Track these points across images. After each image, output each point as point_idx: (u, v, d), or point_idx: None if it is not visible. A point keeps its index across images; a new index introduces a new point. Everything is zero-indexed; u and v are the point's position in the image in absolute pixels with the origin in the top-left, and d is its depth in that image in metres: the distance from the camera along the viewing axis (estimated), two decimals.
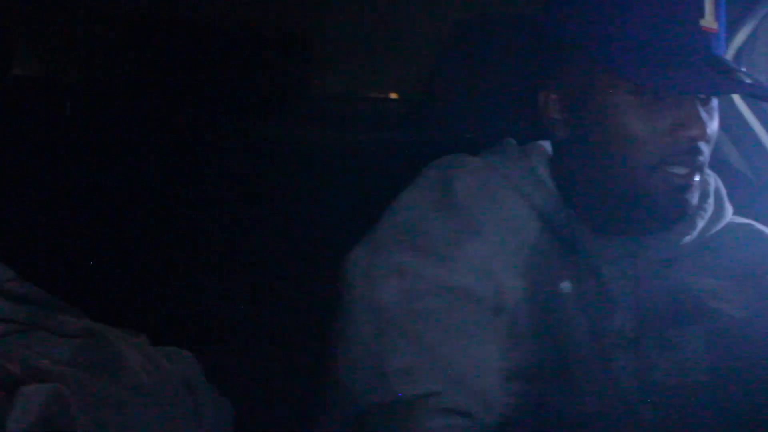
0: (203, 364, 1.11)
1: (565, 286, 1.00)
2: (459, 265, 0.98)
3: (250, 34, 1.60)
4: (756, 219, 1.15)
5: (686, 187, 0.97)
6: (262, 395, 1.28)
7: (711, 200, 1.07)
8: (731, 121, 1.46)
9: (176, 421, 1.02)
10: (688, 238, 1.04)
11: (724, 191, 1.11)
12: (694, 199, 1.00)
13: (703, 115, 0.95)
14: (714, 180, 1.10)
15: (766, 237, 1.10)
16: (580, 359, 0.99)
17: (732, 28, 1.36)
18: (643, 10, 0.96)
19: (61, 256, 1.35)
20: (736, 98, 1.48)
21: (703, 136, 0.95)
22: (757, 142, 1.49)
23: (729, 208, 1.10)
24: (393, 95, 2.07)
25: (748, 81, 0.99)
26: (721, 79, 0.96)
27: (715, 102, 0.99)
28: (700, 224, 1.05)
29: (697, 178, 0.98)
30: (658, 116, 0.96)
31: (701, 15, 0.95)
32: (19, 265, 1.11)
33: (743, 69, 1.05)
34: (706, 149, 0.98)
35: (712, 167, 1.11)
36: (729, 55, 1.39)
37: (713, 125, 0.98)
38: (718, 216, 1.08)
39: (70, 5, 1.52)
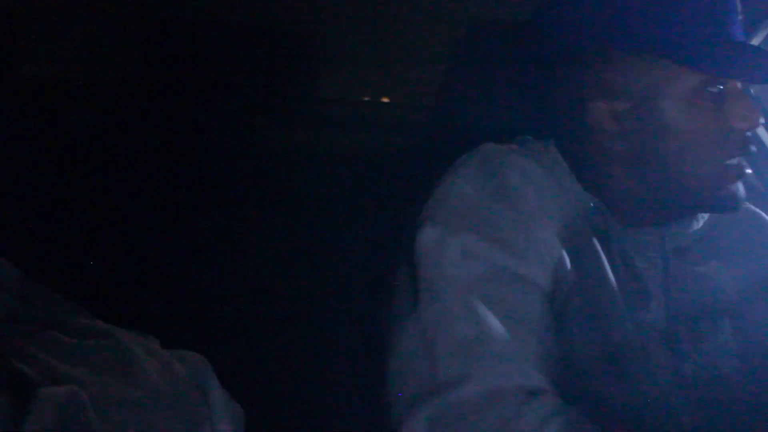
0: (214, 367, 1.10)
1: (610, 275, 1.01)
2: (525, 254, 0.98)
3: (255, 36, 1.59)
4: None
5: (740, 176, 1.01)
6: (272, 399, 1.27)
7: None
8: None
9: (190, 424, 1.01)
10: (704, 223, 1.06)
11: None
12: (743, 188, 1.02)
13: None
14: None
15: (762, 217, 1.16)
16: (626, 350, 1.00)
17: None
18: (696, 5, 0.97)
19: (71, 257, 1.33)
20: None
21: (757, 124, 0.98)
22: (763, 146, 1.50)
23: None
24: (386, 99, 2.07)
25: None
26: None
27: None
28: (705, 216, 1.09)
29: (748, 167, 1.01)
30: (720, 111, 0.98)
31: (736, 9, 0.99)
32: (28, 267, 1.11)
33: None
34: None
35: None
36: None
37: None
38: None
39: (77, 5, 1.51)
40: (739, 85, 0.99)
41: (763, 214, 1.15)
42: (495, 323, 0.94)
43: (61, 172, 1.42)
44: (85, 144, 1.47)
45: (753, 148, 1.00)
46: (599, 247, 1.03)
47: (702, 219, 1.08)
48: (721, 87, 0.97)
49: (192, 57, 1.51)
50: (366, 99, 2.08)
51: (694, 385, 1.00)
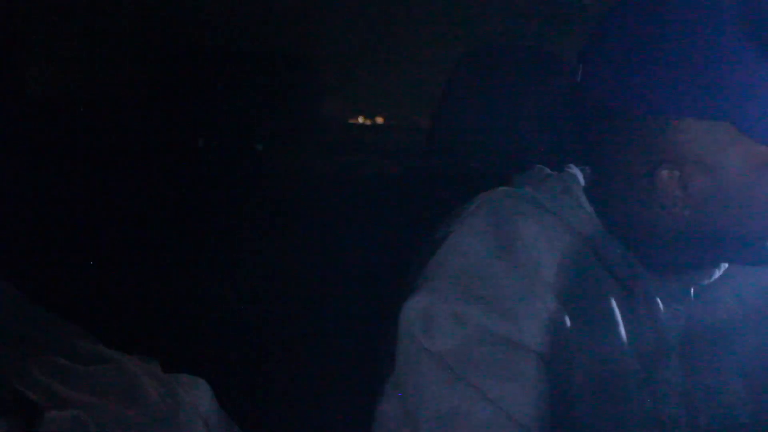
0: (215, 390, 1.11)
1: (623, 333, 0.98)
2: (527, 323, 0.95)
3: (254, 63, 1.62)
4: None
5: None
6: (272, 423, 1.28)
7: None
8: None
9: None
10: (718, 272, 1.05)
11: None
12: None
13: None
14: None
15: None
16: (632, 407, 0.97)
17: None
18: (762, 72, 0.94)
19: (74, 281, 1.34)
20: None
21: None
22: None
23: None
24: (381, 120, 2.08)
25: None
26: None
27: None
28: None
29: None
30: None
31: None
32: (31, 290, 1.12)
33: None
34: None
35: None
36: None
37: None
38: None
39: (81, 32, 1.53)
40: None
41: None
42: (478, 395, 0.92)
43: (64, 196, 1.43)
44: (88, 167, 1.49)
45: None
46: (616, 304, 0.99)
47: (724, 267, 1.05)
48: None
49: (193, 83, 1.53)
50: (362, 122, 2.10)
51: None
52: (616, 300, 0.99)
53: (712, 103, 0.95)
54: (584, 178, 1.07)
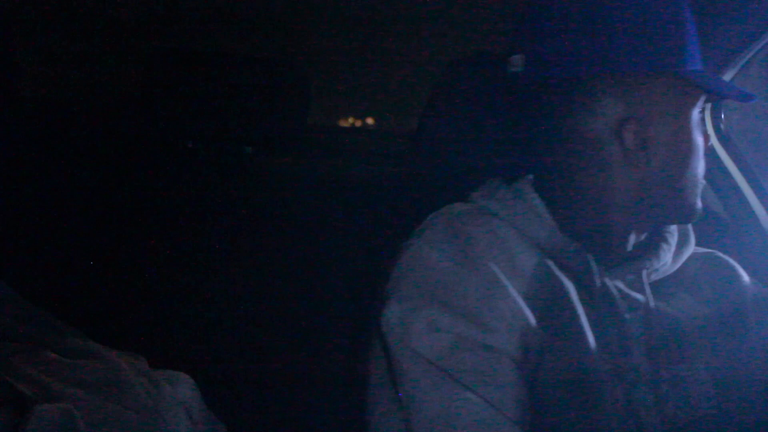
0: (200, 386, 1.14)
1: (587, 328, 1.01)
2: (490, 323, 0.98)
3: (244, 67, 1.63)
4: (729, 256, 1.21)
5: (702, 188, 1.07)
6: (255, 417, 1.31)
7: (674, 228, 1.12)
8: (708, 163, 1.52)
9: None
10: (669, 255, 1.09)
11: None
12: None
13: None
14: None
15: (728, 263, 1.16)
16: (605, 399, 1.00)
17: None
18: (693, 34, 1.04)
19: (65, 279, 1.37)
20: (713, 138, 1.55)
21: None
22: (733, 184, 1.54)
23: (693, 237, 1.14)
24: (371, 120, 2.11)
25: None
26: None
27: None
28: (672, 241, 1.11)
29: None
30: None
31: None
32: (23, 288, 1.15)
33: None
34: None
35: None
36: None
37: None
38: (686, 242, 1.13)
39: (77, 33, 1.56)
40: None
41: (720, 255, 1.17)
42: (466, 395, 0.94)
43: (56, 196, 1.45)
44: (80, 170, 1.51)
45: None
46: (577, 299, 1.03)
47: (669, 250, 1.09)
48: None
49: (185, 87, 1.55)
50: (352, 126, 2.13)
51: (672, 427, 1.01)
52: (575, 296, 1.02)
53: (659, 56, 1.00)
54: (534, 183, 1.10)
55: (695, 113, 1.04)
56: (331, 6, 1.80)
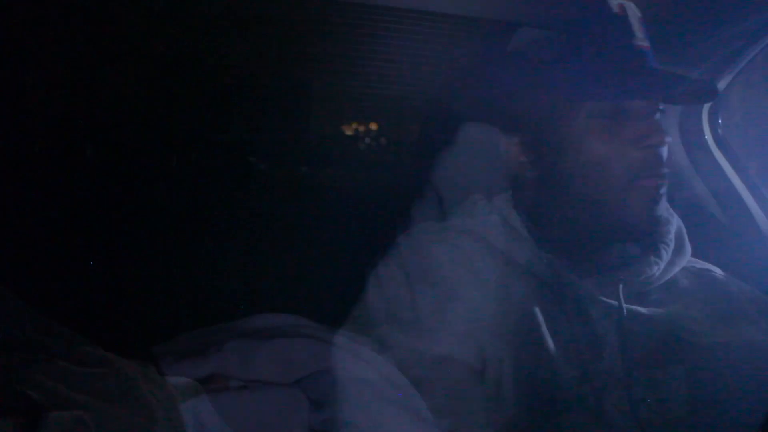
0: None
1: (547, 334, 1.03)
2: (441, 334, 1.00)
3: (250, 79, 1.65)
4: (728, 260, 1.23)
5: (657, 197, 1.03)
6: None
7: (672, 236, 1.13)
8: (705, 166, 1.53)
9: None
10: (656, 269, 1.09)
11: (685, 232, 1.16)
12: (663, 210, 1.05)
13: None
14: (676, 220, 1.16)
15: (722, 280, 1.16)
16: (571, 403, 1.02)
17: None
18: (583, 40, 1.03)
19: (74, 290, 1.39)
20: (711, 142, 1.56)
21: (663, 141, 1.01)
22: (731, 187, 1.55)
23: (689, 248, 1.15)
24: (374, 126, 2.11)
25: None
26: (667, 81, 1.04)
27: (658, 116, 1.05)
28: (665, 256, 1.10)
29: (663, 189, 1.03)
30: (619, 134, 1.02)
31: (633, 35, 1.03)
32: (33, 299, 1.16)
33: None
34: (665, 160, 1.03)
35: (687, 211, 1.19)
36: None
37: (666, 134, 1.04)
38: (681, 251, 1.13)
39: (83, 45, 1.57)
40: (640, 105, 1.02)
41: (716, 272, 1.17)
42: (408, 410, 0.97)
43: (64, 208, 1.47)
44: (87, 180, 1.53)
45: (665, 169, 1.02)
46: (541, 308, 1.04)
47: (660, 264, 1.10)
48: (619, 107, 1.01)
49: (190, 98, 1.57)
50: (353, 135, 2.13)
51: (647, 429, 1.02)
52: (546, 306, 1.04)
53: (539, 74, 1.05)
54: (512, 199, 1.13)
55: (584, 123, 1.03)
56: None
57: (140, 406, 1.02)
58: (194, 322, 1.34)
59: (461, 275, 1.04)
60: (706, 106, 1.51)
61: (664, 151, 1.03)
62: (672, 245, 1.12)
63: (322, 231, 1.56)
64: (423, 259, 1.06)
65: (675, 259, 1.12)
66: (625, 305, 1.06)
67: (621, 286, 1.06)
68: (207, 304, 1.44)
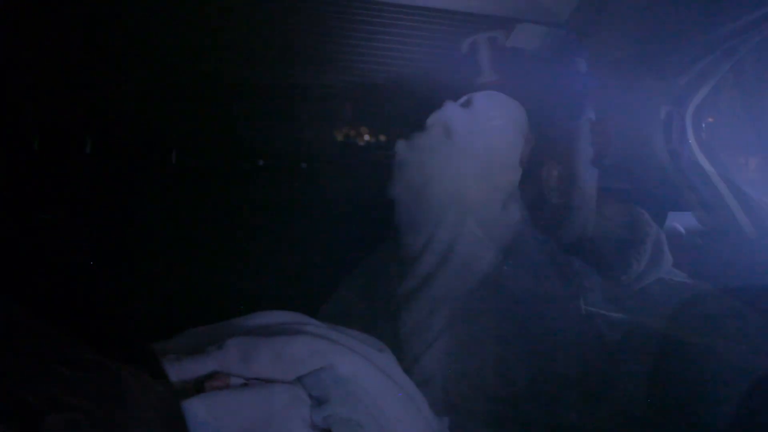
0: None
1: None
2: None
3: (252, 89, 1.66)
4: (712, 264, 1.25)
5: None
6: None
7: (647, 247, 1.17)
8: (688, 170, 1.55)
9: None
10: (625, 278, 1.13)
11: (665, 242, 1.20)
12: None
13: None
14: (655, 230, 1.20)
15: (699, 294, 1.20)
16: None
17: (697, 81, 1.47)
18: None
19: (71, 295, 1.40)
20: (695, 147, 1.57)
21: None
22: (715, 191, 1.57)
23: (668, 258, 1.19)
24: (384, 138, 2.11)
25: None
26: None
27: None
28: (635, 266, 1.15)
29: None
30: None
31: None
32: (30, 303, 1.18)
33: None
34: None
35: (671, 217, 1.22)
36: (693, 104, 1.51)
37: None
38: (656, 262, 1.18)
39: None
40: None
41: (691, 281, 1.22)
42: None
43: (63, 208, 1.48)
44: (91, 188, 1.54)
45: None
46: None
47: (630, 270, 1.14)
48: None
49: (193, 109, 1.58)
50: (353, 142, 2.13)
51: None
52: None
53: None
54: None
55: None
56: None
57: (133, 408, 1.04)
58: (195, 320, 1.35)
59: None
60: (690, 111, 1.53)
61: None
62: (646, 256, 1.15)
63: (322, 228, 1.57)
64: None
65: (648, 270, 1.15)
66: (591, 309, 1.11)
67: (587, 291, 1.12)
68: (207, 301, 1.45)
